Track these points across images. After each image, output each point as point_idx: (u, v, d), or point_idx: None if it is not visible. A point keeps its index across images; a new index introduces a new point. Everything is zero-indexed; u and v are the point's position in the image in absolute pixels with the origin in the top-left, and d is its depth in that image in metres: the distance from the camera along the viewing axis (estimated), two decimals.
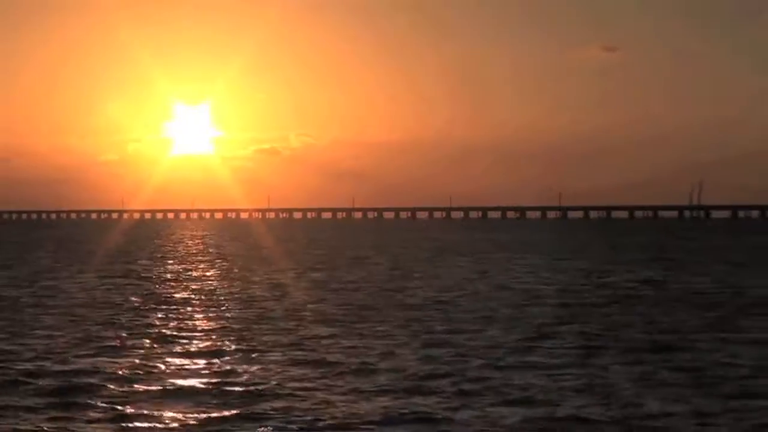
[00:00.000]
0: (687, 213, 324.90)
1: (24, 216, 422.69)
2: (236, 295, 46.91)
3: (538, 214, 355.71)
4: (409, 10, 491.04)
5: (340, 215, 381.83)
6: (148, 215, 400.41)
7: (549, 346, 28.69)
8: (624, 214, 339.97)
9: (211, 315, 37.70)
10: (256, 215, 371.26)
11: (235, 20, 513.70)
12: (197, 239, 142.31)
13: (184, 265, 73.31)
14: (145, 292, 48.19)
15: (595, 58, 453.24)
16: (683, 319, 35.68)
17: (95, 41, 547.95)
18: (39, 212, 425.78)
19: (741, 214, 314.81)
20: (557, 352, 27.35)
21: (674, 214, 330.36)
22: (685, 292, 47.57)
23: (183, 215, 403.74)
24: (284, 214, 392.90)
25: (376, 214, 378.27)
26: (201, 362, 25.97)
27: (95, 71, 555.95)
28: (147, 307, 40.35)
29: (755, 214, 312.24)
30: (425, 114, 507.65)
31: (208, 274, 63.96)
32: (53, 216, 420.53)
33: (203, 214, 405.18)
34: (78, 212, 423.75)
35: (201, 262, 78.87)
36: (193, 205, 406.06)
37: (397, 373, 23.77)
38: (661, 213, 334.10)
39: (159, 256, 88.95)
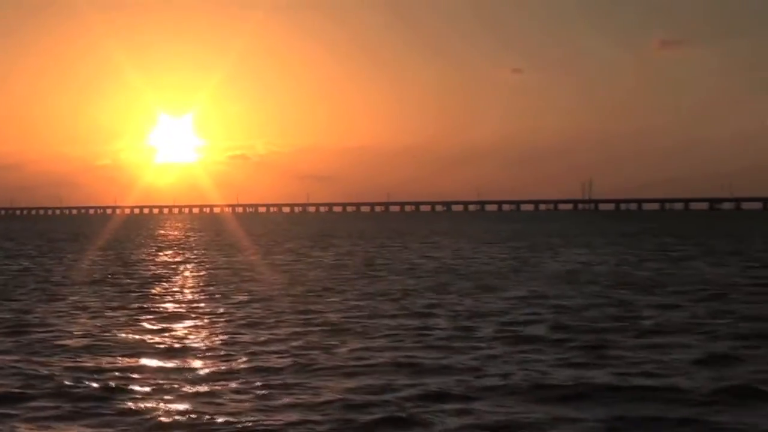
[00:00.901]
0: (580, 206, 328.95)
1: (33, 212, 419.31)
2: (166, 273, 46.99)
3: (461, 207, 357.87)
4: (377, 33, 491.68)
5: (297, 209, 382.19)
6: (137, 211, 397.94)
7: (394, 312, 29.37)
8: (530, 207, 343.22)
9: (131, 289, 37.83)
10: (227, 210, 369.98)
11: (216, 36, 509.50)
12: (166, 230, 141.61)
13: (143, 251, 72.99)
14: (95, 273, 48.03)
15: (505, 78, 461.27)
16: (498, 285, 36.58)
17: (87, 57, 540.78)
18: (45, 209, 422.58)
19: (623, 206, 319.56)
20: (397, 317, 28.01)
21: (570, 206, 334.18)
22: (526, 266, 48.45)
23: (166, 210, 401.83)
24: (250, 209, 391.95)
25: (327, 208, 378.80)
26: (92, 324, 26.34)
27: (90, 85, 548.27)
28: (86, 284, 40.34)
29: (633, 206, 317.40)
30: (370, 125, 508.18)
31: (159, 255, 63.81)
32: (57, 212, 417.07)
33: (182, 209, 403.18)
34: (78, 209, 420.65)
35: (158, 248, 78.61)
36: (174, 202, 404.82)
37: (253, 334, 24.41)
38: (561, 206, 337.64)
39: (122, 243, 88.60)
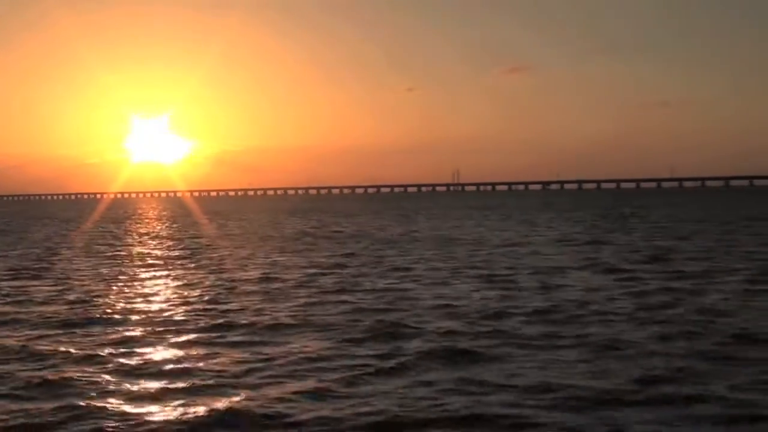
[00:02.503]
0: (451, 188, 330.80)
1: (42, 197, 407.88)
2: (96, 240, 43.97)
3: (362, 190, 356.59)
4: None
5: (239, 193, 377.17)
6: (119, 195, 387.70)
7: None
8: (414, 190, 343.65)
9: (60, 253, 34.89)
10: (187, 194, 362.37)
11: (191, 43, 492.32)
12: (130, 211, 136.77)
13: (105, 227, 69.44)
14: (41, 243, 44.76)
15: (402, 95, 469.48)
16: (379, 250, 34.76)
17: (70, 65, 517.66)
18: (51, 194, 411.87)
19: (482, 188, 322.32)
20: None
21: (444, 188, 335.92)
22: (403, 235, 46.70)
23: (141, 195, 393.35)
24: (204, 193, 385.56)
25: (262, 191, 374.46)
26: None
27: (77, 93, 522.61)
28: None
29: (489, 188, 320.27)
30: (304, 127, 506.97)
31: (112, 228, 60.46)
32: (60, 197, 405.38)
33: (154, 193, 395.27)
34: (75, 194, 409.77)
35: (110, 223, 75.00)
36: (148, 188, 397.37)
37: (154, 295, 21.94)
38: (438, 188, 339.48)
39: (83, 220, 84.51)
